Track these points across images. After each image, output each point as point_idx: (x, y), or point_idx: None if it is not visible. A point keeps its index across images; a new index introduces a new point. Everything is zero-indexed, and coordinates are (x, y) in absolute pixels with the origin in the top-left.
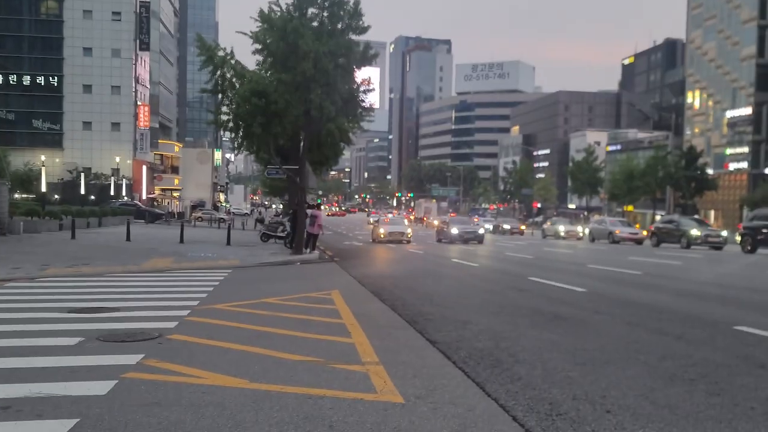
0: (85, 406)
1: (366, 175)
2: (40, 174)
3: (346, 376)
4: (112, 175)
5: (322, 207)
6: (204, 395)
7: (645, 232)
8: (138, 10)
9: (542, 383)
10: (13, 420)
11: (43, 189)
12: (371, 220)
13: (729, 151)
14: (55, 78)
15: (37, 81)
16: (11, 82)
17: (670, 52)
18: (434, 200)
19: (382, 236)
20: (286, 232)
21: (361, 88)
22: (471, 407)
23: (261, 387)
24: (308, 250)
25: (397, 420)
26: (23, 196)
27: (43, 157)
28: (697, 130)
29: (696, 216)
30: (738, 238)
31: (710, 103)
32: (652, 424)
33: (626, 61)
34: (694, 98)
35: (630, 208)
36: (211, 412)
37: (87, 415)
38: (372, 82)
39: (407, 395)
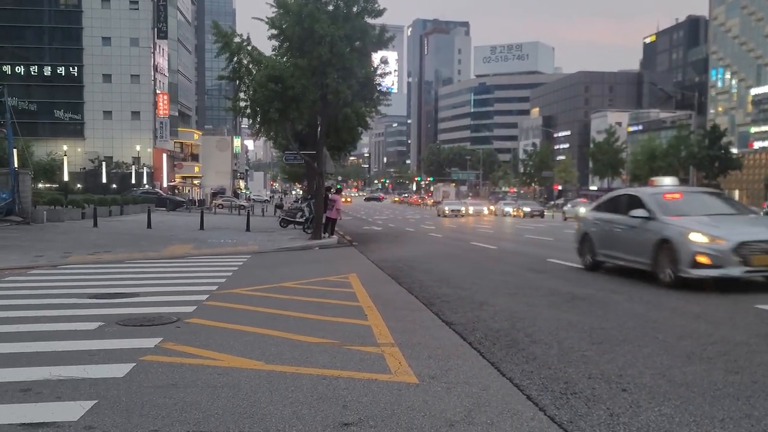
0: (103, 388)
1: (385, 159)
2: (63, 163)
3: (362, 357)
4: (133, 164)
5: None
6: (220, 377)
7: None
8: None
9: (558, 363)
10: (33, 402)
11: (66, 178)
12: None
13: (754, 129)
14: (75, 68)
15: (58, 71)
16: (32, 73)
17: (693, 29)
18: (455, 184)
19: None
20: (304, 218)
21: (378, 72)
22: (485, 387)
23: (276, 368)
24: (327, 235)
25: (411, 400)
26: (46, 185)
27: (65, 147)
28: (720, 109)
29: None
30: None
31: (734, 80)
32: (668, 402)
33: (648, 40)
34: (717, 76)
35: None
36: (227, 393)
37: (105, 396)
38: (388, 64)
39: (422, 375)
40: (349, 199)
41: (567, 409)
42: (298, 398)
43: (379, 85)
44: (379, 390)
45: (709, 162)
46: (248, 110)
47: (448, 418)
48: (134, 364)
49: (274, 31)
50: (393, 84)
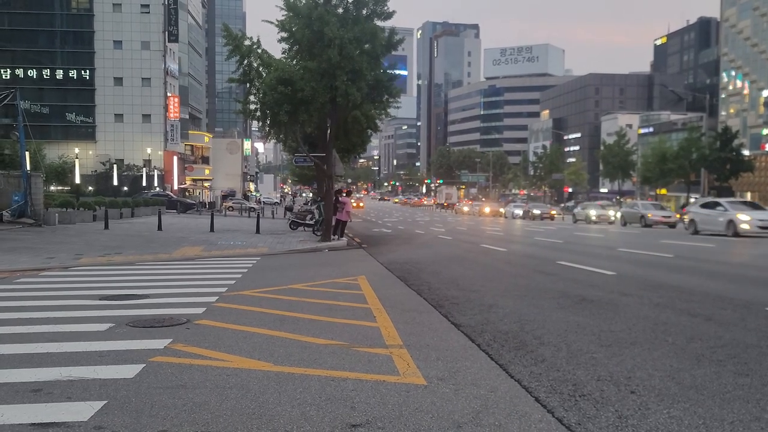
0: (113, 389)
1: (395, 162)
2: (74, 166)
3: (370, 359)
4: (144, 166)
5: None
6: (229, 378)
7: (678, 215)
8: (166, 2)
9: (566, 365)
10: (44, 402)
11: (77, 181)
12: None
13: (766, 131)
14: (87, 71)
15: (70, 75)
16: (45, 76)
17: (704, 31)
18: (464, 186)
19: None
20: (314, 220)
21: (387, 74)
22: (493, 388)
23: (285, 370)
24: (336, 237)
25: (419, 401)
26: (58, 188)
27: (76, 150)
28: (732, 111)
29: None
30: None
31: (746, 82)
32: (677, 405)
33: (659, 42)
34: (729, 78)
35: (663, 191)
36: (235, 394)
37: (114, 397)
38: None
39: (430, 377)
40: (361, 204)
41: (575, 411)
42: (307, 399)
43: (389, 87)
44: (387, 391)
45: (720, 164)
46: (258, 113)
47: (456, 420)
48: (144, 365)
49: (284, 34)
50: (399, 74)
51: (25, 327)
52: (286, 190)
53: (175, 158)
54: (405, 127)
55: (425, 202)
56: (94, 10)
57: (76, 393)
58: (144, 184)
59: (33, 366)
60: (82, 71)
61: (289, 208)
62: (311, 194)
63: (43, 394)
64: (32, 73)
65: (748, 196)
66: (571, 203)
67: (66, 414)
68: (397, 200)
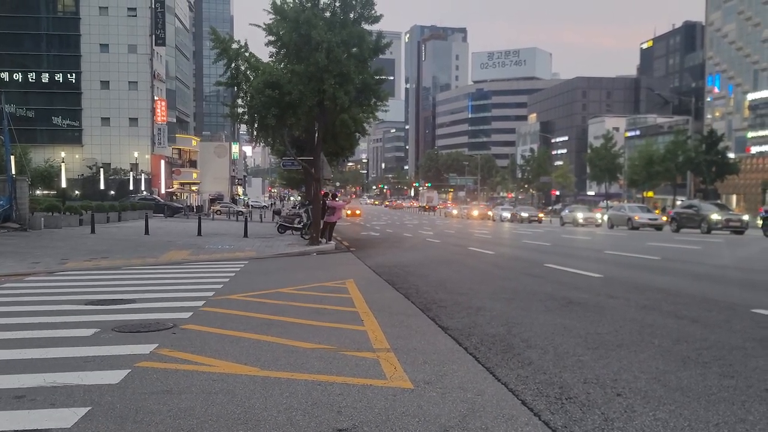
0: (97, 395)
1: (383, 165)
2: (60, 170)
3: (357, 363)
4: (131, 170)
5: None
6: (215, 383)
7: (665, 218)
8: (153, 6)
9: (553, 367)
10: (27, 409)
11: (64, 185)
12: None
13: (751, 134)
14: (73, 75)
15: (56, 78)
16: (30, 80)
17: (689, 35)
18: (452, 190)
19: None
20: (302, 224)
21: (375, 78)
22: (480, 392)
23: (271, 374)
24: (324, 241)
25: (406, 405)
26: (44, 192)
27: (62, 154)
28: (717, 114)
29: (718, 201)
30: (759, 222)
31: (731, 85)
32: (663, 407)
33: (645, 46)
34: (714, 81)
35: (650, 194)
36: (221, 399)
37: (99, 403)
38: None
39: (417, 381)
40: (358, 211)
41: (562, 414)
42: (293, 404)
43: (376, 91)
44: (374, 395)
45: (706, 167)
46: (246, 116)
47: (443, 424)
48: (129, 370)
49: (272, 38)
50: (386, 77)
51: (8, 332)
52: (275, 193)
53: (163, 162)
54: (393, 130)
55: (405, 206)
56: (81, 14)
57: (60, 399)
58: (131, 188)
59: (16, 372)
60: (69, 75)
61: (277, 212)
62: (299, 197)
63: (27, 400)
64: (18, 76)
65: (734, 199)
66: (558, 206)
67: (49, 420)
68: (376, 202)
